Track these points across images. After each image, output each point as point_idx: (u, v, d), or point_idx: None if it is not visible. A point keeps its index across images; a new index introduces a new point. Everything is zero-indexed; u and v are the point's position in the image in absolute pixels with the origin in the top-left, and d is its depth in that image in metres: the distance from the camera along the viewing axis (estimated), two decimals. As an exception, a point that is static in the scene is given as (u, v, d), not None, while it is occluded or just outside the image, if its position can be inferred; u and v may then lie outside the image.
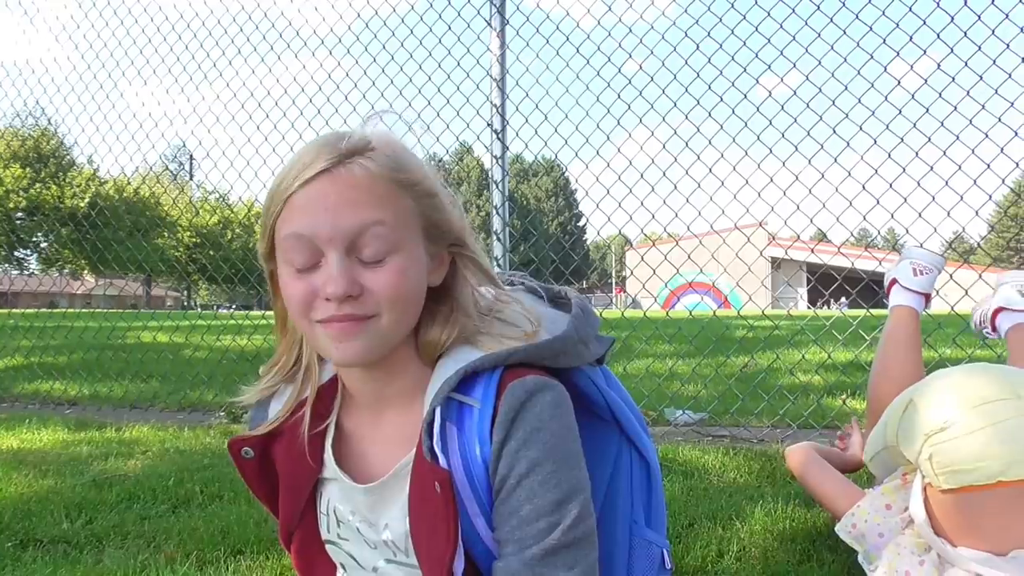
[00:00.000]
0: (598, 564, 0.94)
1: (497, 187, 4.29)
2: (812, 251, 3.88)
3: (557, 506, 0.89)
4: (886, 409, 1.43)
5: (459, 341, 0.99)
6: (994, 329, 2.26)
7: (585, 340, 1.05)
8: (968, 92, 3.51)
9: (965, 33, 3.47)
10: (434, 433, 0.92)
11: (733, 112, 4.10)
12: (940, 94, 3.60)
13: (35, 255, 42.09)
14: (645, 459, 1.18)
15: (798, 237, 4.31)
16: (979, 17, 3.49)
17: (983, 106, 3.43)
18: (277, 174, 0.93)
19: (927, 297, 2.17)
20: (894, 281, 2.21)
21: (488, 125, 4.31)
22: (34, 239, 39.51)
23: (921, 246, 2.32)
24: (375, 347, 0.92)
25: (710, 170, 4.08)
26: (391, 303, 0.91)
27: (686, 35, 4.22)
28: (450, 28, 4.67)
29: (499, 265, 4.26)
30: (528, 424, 0.91)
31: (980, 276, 3.51)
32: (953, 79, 3.55)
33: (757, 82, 4.08)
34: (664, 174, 4.29)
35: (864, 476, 2.25)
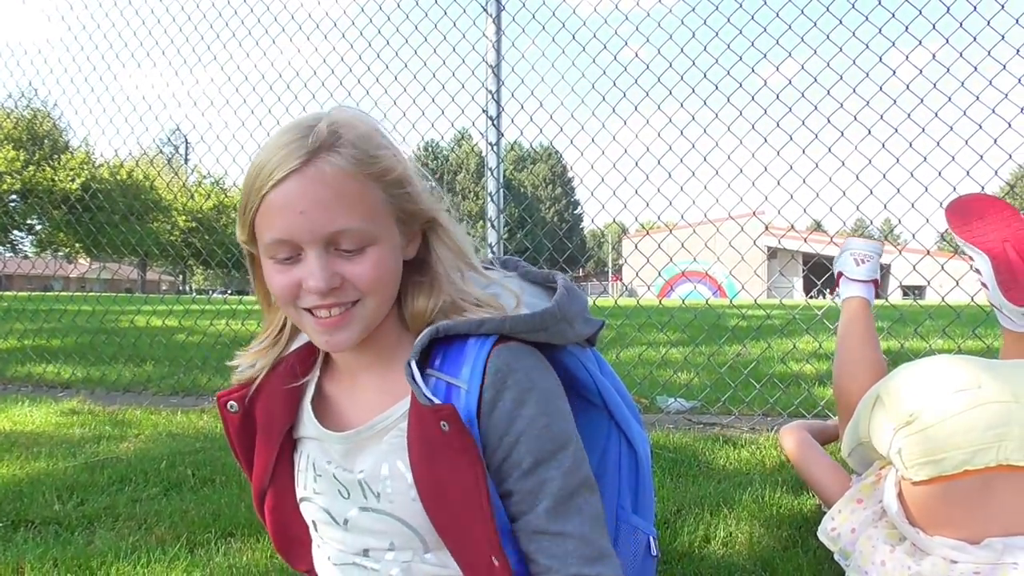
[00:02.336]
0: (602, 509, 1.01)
1: (492, 174, 4.28)
2: (805, 240, 3.88)
3: (553, 455, 0.96)
4: (857, 406, 1.45)
5: (447, 313, 1.03)
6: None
7: (569, 319, 1.07)
8: (963, 83, 3.51)
9: (960, 24, 3.46)
10: (419, 382, 0.95)
11: (728, 101, 4.09)
12: (935, 85, 3.60)
13: (30, 238, 41.96)
14: (633, 446, 1.20)
15: (792, 227, 4.32)
16: (975, 8, 3.48)
17: (977, 97, 3.43)
18: (253, 161, 0.96)
19: (875, 284, 2.12)
20: (840, 274, 2.18)
21: (483, 112, 4.29)
22: (28, 222, 39.36)
23: (862, 235, 2.26)
24: (361, 332, 0.99)
25: (704, 159, 4.08)
26: (371, 289, 0.96)
27: (682, 23, 4.21)
28: (446, 13, 4.65)
29: (493, 252, 4.26)
30: (519, 384, 0.96)
31: (972, 267, 3.51)
32: (948, 70, 3.55)
33: (752, 71, 4.07)
34: (659, 162, 4.29)
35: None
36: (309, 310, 0.96)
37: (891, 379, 1.35)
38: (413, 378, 0.95)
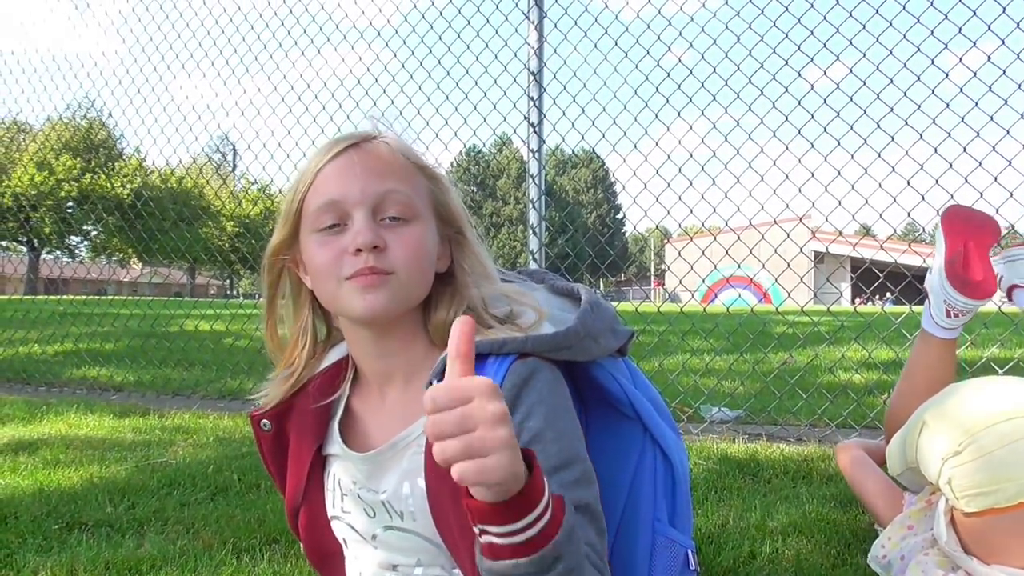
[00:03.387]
0: (606, 550, 0.95)
1: (534, 181, 4.28)
2: (854, 247, 3.80)
3: (556, 470, 0.91)
4: (901, 428, 1.41)
5: None
6: (1009, 298, 1.90)
7: (594, 335, 1.07)
8: (1021, 85, 3.40)
9: (1018, 24, 3.36)
10: None
11: (774, 106, 4.02)
12: (990, 87, 3.48)
13: (85, 243, 43.24)
14: (668, 457, 1.18)
15: (840, 233, 4.23)
16: (1033, 8, 3.37)
17: (1035, 100, 3.32)
18: (298, 172, 1.05)
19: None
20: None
21: (525, 119, 4.30)
22: (84, 227, 40.55)
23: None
24: (394, 301, 1.00)
25: (749, 164, 4.02)
26: (407, 262, 0.99)
27: (727, 27, 4.15)
28: (488, 21, 4.67)
29: (535, 259, 4.26)
30: (530, 399, 0.95)
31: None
32: (1004, 72, 3.43)
33: (799, 75, 3.99)
34: (703, 168, 4.24)
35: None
36: (350, 279, 0.99)
37: (937, 404, 1.30)
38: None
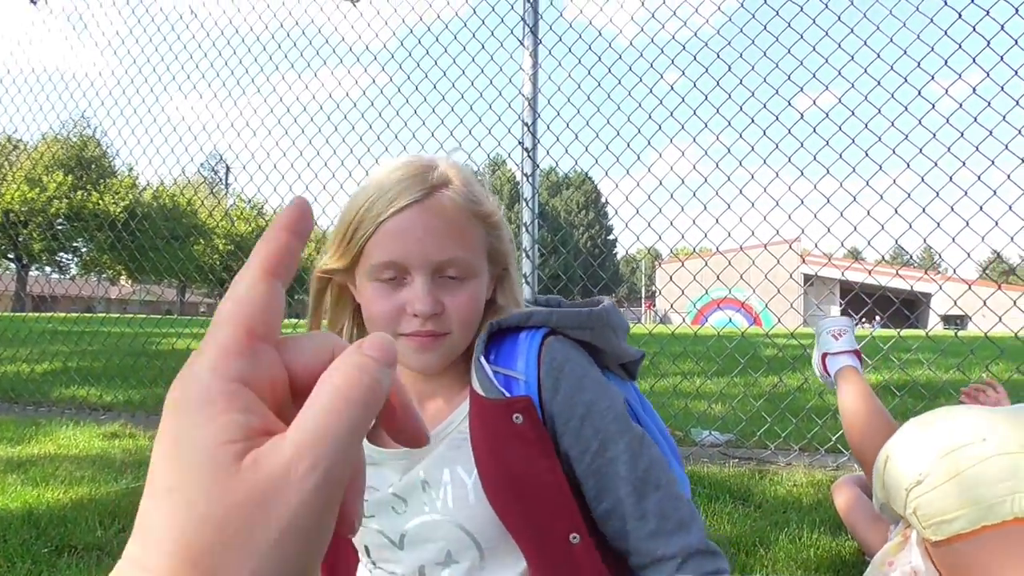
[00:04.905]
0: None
1: (527, 204, 4.31)
2: (842, 272, 3.84)
3: (620, 434, 0.99)
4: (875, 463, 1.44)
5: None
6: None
7: (612, 327, 1.12)
8: (1005, 117, 3.47)
9: (1002, 58, 3.43)
10: (491, 377, 1.00)
11: (764, 133, 4.08)
12: (975, 119, 3.56)
13: (75, 260, 43.05)
14: None
15: (829, 259, 4.27)
16: (1016, 41, 3.44)
17: (1020, 131, 3.39)
18: (360, 196, 1.03)
19: (856, 353, 2.29)
20: (824, 355, 2.31)
21: (519, 143, 4.34)
22: (74, 244, 40.41)
23: (827, 316, 2.49)
24: (446, 359, 1.04)
25: (740, 191, 4.06)
26: (462, 323, 1.03)
27: (718, 56, 4.23)
28: (483, 47, 4.73)
29: (527, 281, 4.28)
30: (574, 372, 1.01)
31: (1015, 303, 3.45)
32: (989, 104, 3.51)
33: (789, 104, 4.06)
34: (695, 194, 4.30)
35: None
36: (406, 336, 1.02)
37: (899, 436, 1.33)
38: (486, 374, 1.00)
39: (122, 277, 38.65)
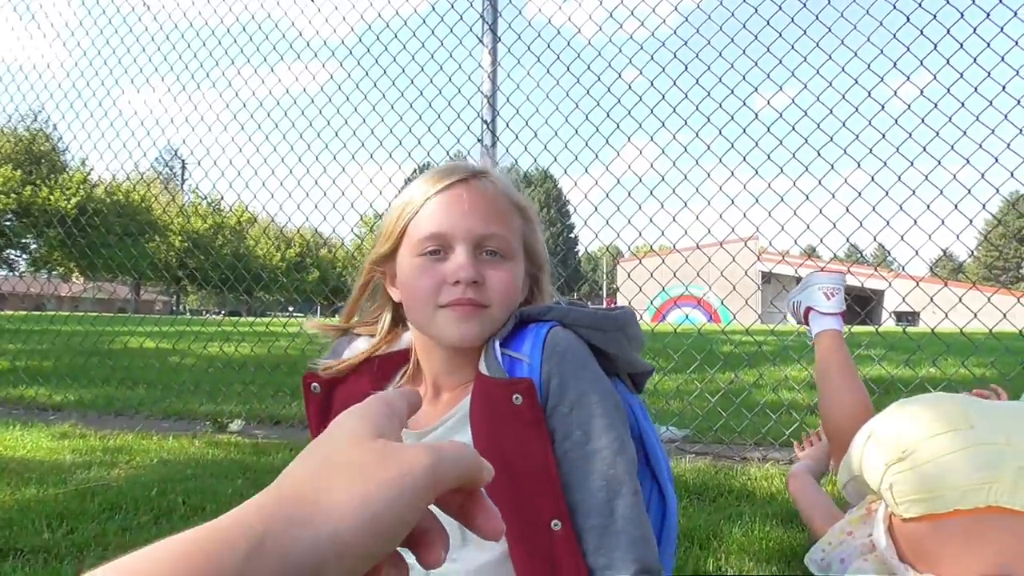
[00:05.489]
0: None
1: (486, 202, 4.31)
2: (796, 271, 3.91)
3: (605, 430, 1.00)
4: (849, 436, 1.46)
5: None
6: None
7: (625, 331, 1.13)
8: (950, 119, 3.57)
9: (948, 60, 3.53)
10: (498, 357, 1.02)
11: (720, 133, 4.15)
12: (922, 120, 3.66)
13: (25, 256, 41.85)
14: (665, 498, 1.22)
15: (783, 258, 4.35)
16: (961, 45, 3.55)
17: (964, 132, 3.50)
18: (407, 188, 1.10)
19: (843, 315, 2.15)
20: (808, 309, 2.17)
21: (478, 141, 4.34)
22: (23, 240, 39.29)
23: (822, 270, 2.33)
24: (484, 332, 1.06)
25: (697, 189, 4.13)
26: (501, 298, 1.05)
27: (675, 56, 4.27)
28: (442, 44, 4.72)
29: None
30: (575, 361, 1.03)
31: (960, 299, 3.56)
32: (935, 105, 3.61)
33: (744, 104, 4.13)
34: (652, 193, 4.34)
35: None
36: (447, 306, 1.03)
37: (887, 415, 1.36)
38: (494, 355, 1.02)
39: (74, 274, 37.67)
